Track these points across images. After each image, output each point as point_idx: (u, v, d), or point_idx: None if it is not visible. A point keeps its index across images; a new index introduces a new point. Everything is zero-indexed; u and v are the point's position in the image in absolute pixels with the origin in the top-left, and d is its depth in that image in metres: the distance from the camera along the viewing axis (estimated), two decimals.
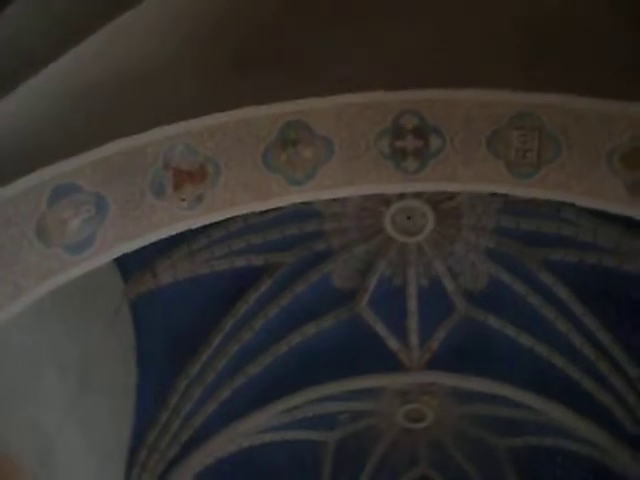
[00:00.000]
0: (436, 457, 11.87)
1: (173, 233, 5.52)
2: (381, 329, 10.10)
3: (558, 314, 9.32)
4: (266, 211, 8.27)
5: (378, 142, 5.42)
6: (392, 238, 9.54)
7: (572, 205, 6.53)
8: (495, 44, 5.03)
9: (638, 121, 4.94)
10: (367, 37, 5.08)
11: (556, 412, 9.74)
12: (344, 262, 9.73)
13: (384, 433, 11.66)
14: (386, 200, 9.16)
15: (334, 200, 8.89)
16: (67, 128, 4.90)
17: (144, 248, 5.51)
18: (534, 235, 9.08)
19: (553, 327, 9.39)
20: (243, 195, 5.49)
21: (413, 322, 10.02)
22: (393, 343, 10.15)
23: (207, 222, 5.64)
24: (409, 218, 9.35)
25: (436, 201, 9.14)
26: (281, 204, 5.76)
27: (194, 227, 5.63)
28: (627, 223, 7.82)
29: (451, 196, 9.01)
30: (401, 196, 9.03)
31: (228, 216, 5.70)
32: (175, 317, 9.19)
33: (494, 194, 8.00)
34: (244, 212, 5.78)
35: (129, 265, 8.53)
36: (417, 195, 9.01)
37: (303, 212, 9.11)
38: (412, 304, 9.94)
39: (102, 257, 5.30)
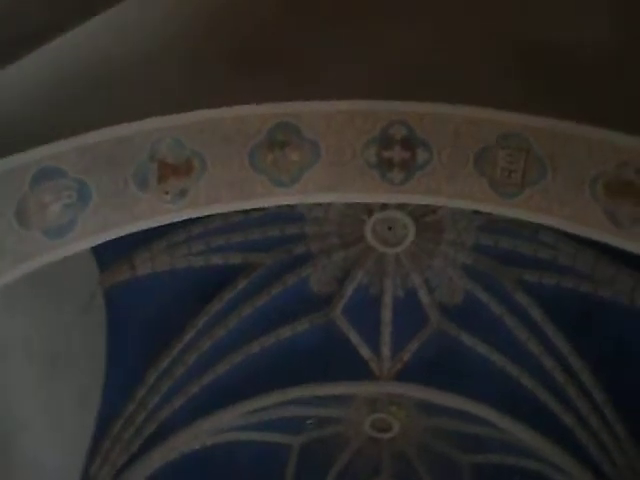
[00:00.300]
0: (399, 468, 11.87)
1: (154, 226, 5.49)
2: (354, 337, 10.11)
3: (531, 335, 9.36)
4: (249, 210, 8.30)
5: (365, 151, 5.42)
6: (372, 247, 9.56)
7: (551, 228, 6.57)
8: (491, 63, 5.05)
9: (624, 150, 4.98)
10: (366, 39, 5.09)
11: (521, 432, 9.77)
12: (322, 267, 9.73)
13: (350, 441, 11.66)
14: (369, 209, 9.19)
15: (317, 205, 8.91)
16: (56, 112, 4.87)
17: (123, 238, 5.47)
18: (511, 255, 9.13)
19: (525, 348, 9.43)
20: (227, 193, 5.48)
21: (386, 332, 10.03)
22: (365, 352, 10.16)
23: (189, 217, 5.63)
24: (390, 229, 9.37)
25: (418, 214, 9.18)
26: (264, 205, 5.76)
27: (175, 221, 5.61)
28: (605, 250, 7.89)
29: (434, 210, 9.04)
30: (384, 206, 9.05)
31: (210, 213, 5.69)
32: (149, 309, 9.15)
33: (476, 211, 8.03)
34: (227, 210, 5.77)
35: (106, 254, 8.49)
36: (400, 206, 9.03)
37: (286, 214, 9.11)
38: (387, 314, 9.95)
39: (80, 244, 5.27)
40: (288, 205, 8.51)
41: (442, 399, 10.08)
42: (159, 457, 9.66)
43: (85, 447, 8.97)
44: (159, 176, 5.28)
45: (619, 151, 4.97)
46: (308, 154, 5.41)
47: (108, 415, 9.14)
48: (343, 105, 5.18)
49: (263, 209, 8.28)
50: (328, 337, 10.02)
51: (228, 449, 10.96)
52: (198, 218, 7.94)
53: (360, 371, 10.17)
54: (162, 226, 5.62)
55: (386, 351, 10.10)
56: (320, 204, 8.92)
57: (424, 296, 9.83)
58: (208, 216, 8.16)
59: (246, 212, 8.65)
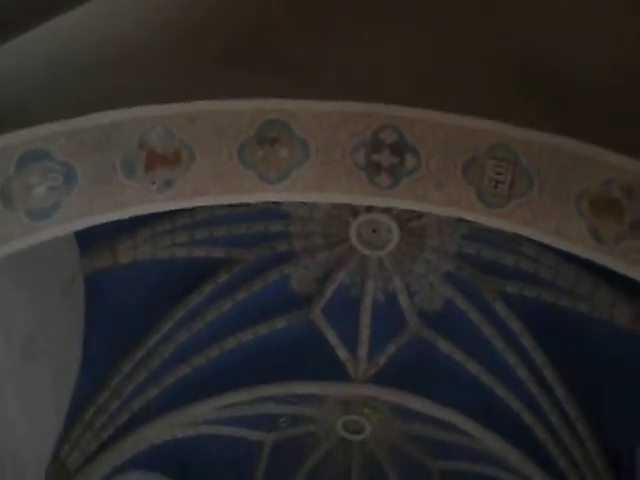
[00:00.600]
0: (369, 471, 11.89)
1: (139, 214, 5.47)
2: (332, 337, 10.12)
3: (507, 346, 9.41)
4: (235, 205, 8.28)
5: (354, 152, 5.43)
6: (355, 249, 9.57)
7: (534, 241, 6.60)
8: (487, 74, 5.08)
9: (610, 167, 5.01)
10: (365, 41, 5.10)
11: (492, 441, 9.81)
12: (305, 266, 9.74)
13: (321, 441, 11.67)
14: (354, 211, 9.21)
15: (303, 203, 8.91)
16: (46, 94, 4.84)
17: (106, 225, 5.45)
18: (493, 265, 9.18)
19: (501, 358, 9.48)
20: (213, 186, 5.46)
21: (364, 334, 10.04)
22: (342, 353, 10.17)
23: (174, 208, 5.60)
24: (374, 231, 9.39)
25: (404, 219, 9.20)
26: (250, 200, 5.76)
27: (160, 211, 5.59)
28: (587, 266, 7.93)
29: (419, 215, 9.07)
30: (369, 209, 9.07)
31: (196, 204, 5.67)
32: (129, 298, 9.12)
33: (461, 220, 8.06)
34: (212, 203, 5.76)
35: (89, 240, 8.46)
36: (386, 210, 9.06)
37: (271, 211, 9.11)
38: (366, 317, 9.97)
39: (64, 227, 5.23)
40: (274, 202, 8.53)
41: (415, 404, 10.10)
42: (129, 446, 9.61)
43: (56, 432, 8.92)
44: (147, 165, 5.26)
45: (606, 168, 5.00)
46: (298, 152, 5.41)
47: (81, 401, 9.09)
48: (336, 106, 5.19)
49: (249, 205, 8.26)
50: (306, 336, 10.02)
51: (200, 442, 10.94)
52: (184, 209, 7.93)
53: (336, 372, 10.17)
54: (147, 215, 5.60)
55: (363, 353, 10.12)
56: (306, 203, 8.92)
57: (404, 301, 9.86)
58: (194, 208, 8.17)
59: (232, 207, 8.65)
